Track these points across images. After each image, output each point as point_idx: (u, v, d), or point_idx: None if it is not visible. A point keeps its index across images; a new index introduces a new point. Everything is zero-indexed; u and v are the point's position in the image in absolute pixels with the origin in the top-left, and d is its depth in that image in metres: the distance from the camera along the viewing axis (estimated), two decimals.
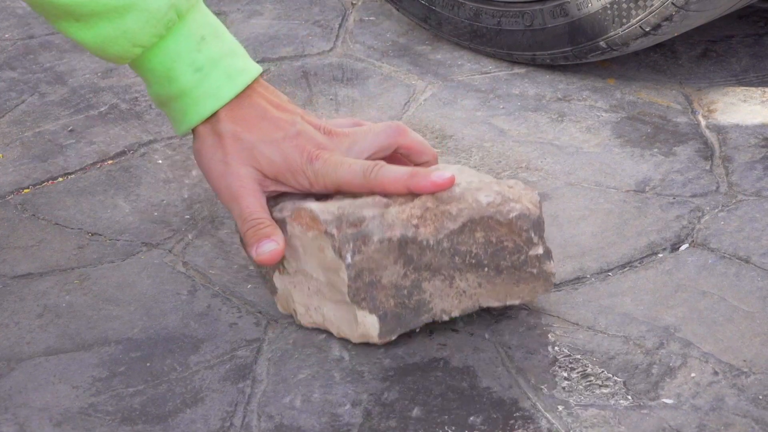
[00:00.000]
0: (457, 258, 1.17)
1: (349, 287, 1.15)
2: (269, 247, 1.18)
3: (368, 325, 1.18)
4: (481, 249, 1.17)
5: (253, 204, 1.19)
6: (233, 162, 1.19)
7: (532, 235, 1.18)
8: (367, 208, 1.17)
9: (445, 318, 1.20)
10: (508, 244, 1.17)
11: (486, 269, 1.18)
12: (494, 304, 1.20)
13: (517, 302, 1.21)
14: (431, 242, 1.16)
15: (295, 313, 1.23)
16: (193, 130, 1.22)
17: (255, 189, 1.20)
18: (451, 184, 1.18)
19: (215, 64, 1.20)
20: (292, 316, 1.23)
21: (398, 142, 1.24)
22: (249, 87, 1.21)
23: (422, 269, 1.17)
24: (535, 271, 1.19)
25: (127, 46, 1.16)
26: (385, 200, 1.18)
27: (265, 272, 1.25)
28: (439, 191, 1.17)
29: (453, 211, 1.16)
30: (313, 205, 1.18)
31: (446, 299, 1.19)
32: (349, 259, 1.14)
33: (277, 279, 1.23)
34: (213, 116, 1.20)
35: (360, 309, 1.17)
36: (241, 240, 1.21)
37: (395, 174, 1.18)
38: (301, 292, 1.22)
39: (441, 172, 1.18)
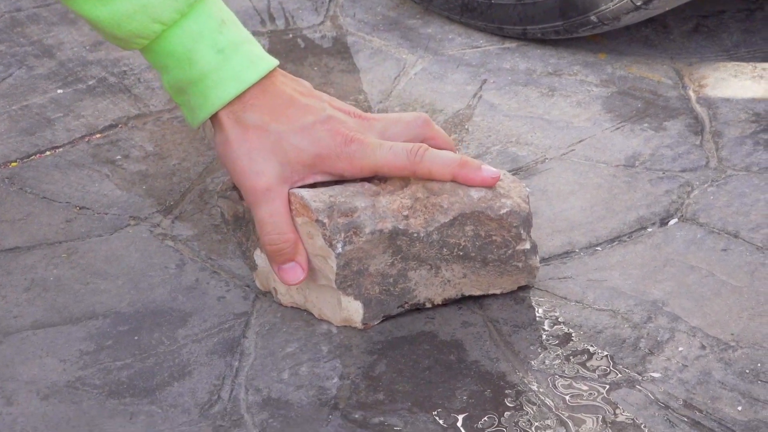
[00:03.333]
0: (445, 249, 1.18)
1: (337, 275, 1.16)
2: (294, 276, 1.17)
3: (352, 311, 1.18)
4: (469, 242, 1.18)
5: (276, 211, 1.16)
6: (259, 157, 1.16)
7: (521, 231, 1.18)
8: (358, 198, 1.17)
9: (428, 306, 1.20)
10: (496, 238, 1.18)
11: (472, 261, 1.19)
12: (476, 292, 1.21)
13: (498, 292, 1.22)
14: (421, 234, 1.16)
15: (275, 291, 1.23)
16: (214, 122, 1.19)
17: (281, 192, 1.17)
18: (497, 181, 1.19)
19: (236, 47, 1.17)
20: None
21: (425, 133, 1.23)
22: (271, 74, 1.19)
23: (410, 259, 1.18)
24: (520, 264, 1.20)
25: (146, 21, 1.13)
26: (374, 188, 1.19)
27: (246, 248, 1.25)
28: (487, 187, 1.18)
29: (444, 204, 1.17)
30: (304, 192, 1.17)
31: (430, 288, 1.20)
32: (339, 249, 1.15)
33: (259, 256, 1.23)
34: (237, 104, 1.17)
35: (345, 295, 1.17)
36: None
37: (444, 160, 1.18)
38: None
39: (490, 168, 1.19)
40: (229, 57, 1.17)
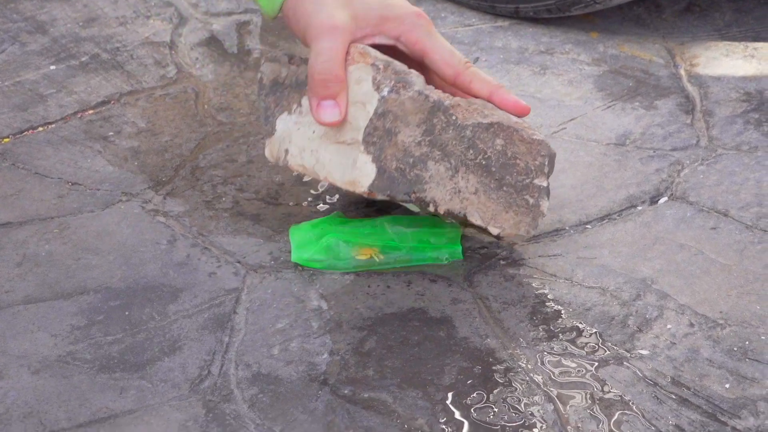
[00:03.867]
0: (471, 152, 1.19)
1: (370, 122, 1.19)
2: (331, 115, 1.20)
3: (364, 173, 1.20)
4: (494, 155, 1.19)
5: (335, 48, 1.20)
6: (331, 6, 1.20)
7: (545, 163, 1.19)
8: (413, 71, 1.22)
9: (431, 209, 1.21)
10: (520, 162, 1.19)
11: (490, 178, 1.19)
12: (478, 221, 1.21)
13: (497, 231, 1.21)
14: (458, 122, 1.18)
15: (285, 153, 1.25)
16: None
17: (344, 36, 1.21)
18: (527, 112, 1.23)
19: None
20: (267, 268, 1.24)
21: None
22: None
23: (436, 146, 1.19)
24: (531, 201, 1.20)
25: None
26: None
27: (270, 113, 1.28)
28: (517, 114, 1.23)
29: (485, 112, 1.20)
30: (366, 45, 1.23)
31: (441, 189, 1.20)
32: (384, 93, 1.18)
33: (282, 120, 1.26)
34: None
35: (364, 153, 1.19)
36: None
37: (486, 77, 1.23)
38: (304, 134, 1.24)
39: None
40: None
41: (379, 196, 1.21)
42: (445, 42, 1.24)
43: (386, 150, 1.19)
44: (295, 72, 1.26)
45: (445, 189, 1.20)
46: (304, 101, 1.23)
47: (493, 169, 1.20)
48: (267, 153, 1.27)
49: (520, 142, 1.19)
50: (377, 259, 1.24)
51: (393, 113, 1.18)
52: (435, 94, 1.20)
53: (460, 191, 1.20)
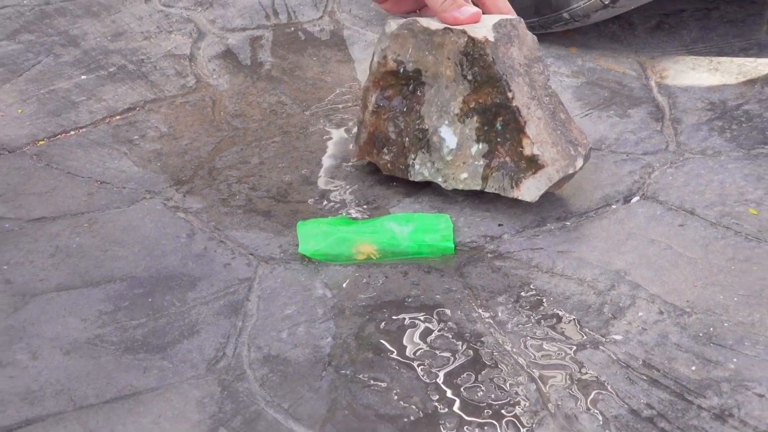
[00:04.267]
0: (546, 98, 1.31)
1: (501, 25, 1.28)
2: (470, 14, 1.27)
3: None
4: (560, 115, 1.31)
5: None
6: None
7: (587, 144, 1.31)
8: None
9: (509, 95, 1.27)
10: (573, 131, 1.30)
11: (552, 119, 1.29)
12: (531, 131, 1.26)
13: (537, 151, 1.26)
14: (548, 78, 1.32)
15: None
16: None
17: None
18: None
19: None
20: (277, 260, 1.23)
21: None
22: None
23: (529, 75, 1.29)
24: (573, 152, 1.28)
25: None
26: None
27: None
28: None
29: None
30: None
31: (521, 95, 1.27)
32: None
33: None
34: None
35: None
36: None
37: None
38: None
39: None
40: None
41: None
42: None
43: (502, 45, 1.27)
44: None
45: (523, 98, 1.25)
46: None
47: (556, 119, 1.28)
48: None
49: (575, 127, 1.30)
50: (374, 258, 1.24)
51: (519, 37, 1.29)
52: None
53: (529, 107, 1.26)
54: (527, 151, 1.25)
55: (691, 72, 1.61)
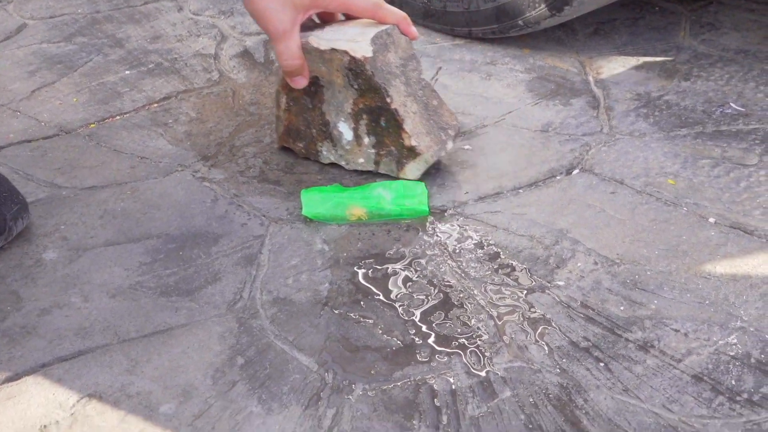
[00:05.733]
0: (420, 92, 1.29)
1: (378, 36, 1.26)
2: (302, 83, 1.26)
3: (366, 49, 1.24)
4: (432, 103, 1.32)
5: (293, 45, 1.22)
6: (278, 7, 1.19)
7: (457, 125, 1.33)
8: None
9: (388, 100, 1.25)
10: (444, 116, 1.32)
11: (426, 111, 1.29)
12: (408, 127, 1.25)
13: (414, 143, 1.26)
14: (422, 74, 1.31)
15: None
16: None
17: (295, 32, 1.22)
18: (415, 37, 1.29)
19: None
20: (285, 220, 1.22)
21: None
22: None
23: (404, 75, 1.28)
24: (443, 138, 1.29)
25: None
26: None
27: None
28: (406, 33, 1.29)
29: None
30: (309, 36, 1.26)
31: (398, 96, 1.26)
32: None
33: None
34: None
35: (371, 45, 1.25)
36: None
37: (394, 9, 1.28)
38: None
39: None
40: None
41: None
42: None
43: (380, 54, 1.25)
44: None
45: (400, 98, 1.25)
46: None
47: (429, 108, 1.29)
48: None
49: (446, 110, 1.31)
50: (363, 219, 1.22)
51: (394, 43, 1.27)
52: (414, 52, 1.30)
53: (405, 105, 1.26)
54: (407, 143, 1.26)
55: (622, 69, 1.60)
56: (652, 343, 1.02)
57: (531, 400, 0.96)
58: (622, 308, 1.07)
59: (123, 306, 1.09)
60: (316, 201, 1.24)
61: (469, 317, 1.06)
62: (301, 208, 1.24)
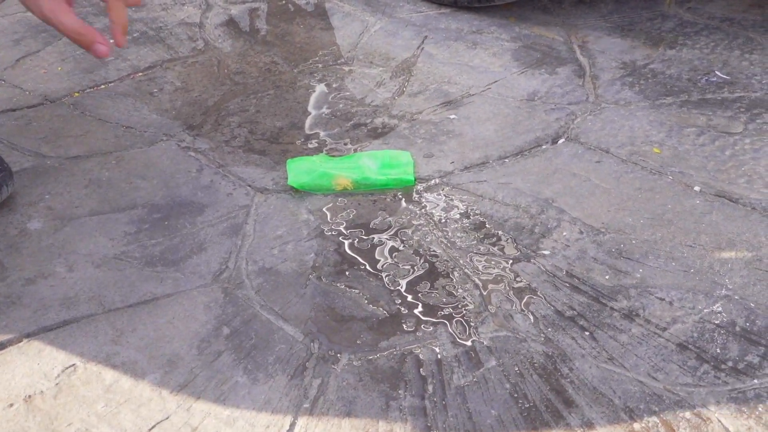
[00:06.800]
0: None
1: None
2: (101, 49, 1.01)
3: None
4: None
5: (70, 19, 1.00)
6: None
7: None
8: None
9: None
10: None
11: None
12: None
13: None
14: None
15: None
16: None
17: (64, 5, 1.00)
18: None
19: None
20: (270, 191, 1.20)
21: None
22: None
23: None
24: None
25: None
26: None
27: None
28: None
29: None
30: None
31: None
32: None
33: None
34: None
35: None
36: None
37: None
38: None
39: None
40: None
41: None
42: None
43: None
44: None
45: None
46: None
47: None
48: None
49: None
50: (349, 189, 1.21)
51: None
52: None
53: None
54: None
55: (607, 38, 1.58)
56: (637, 312, 1.01)
57: (516, 369, 0.95)
58: (607, 277, 1.06)
59: (108, 276, 1.07)
60: (301, 171, 1.22)
61: (454, 287, 1.05)
62: (286, 179, 1.23)
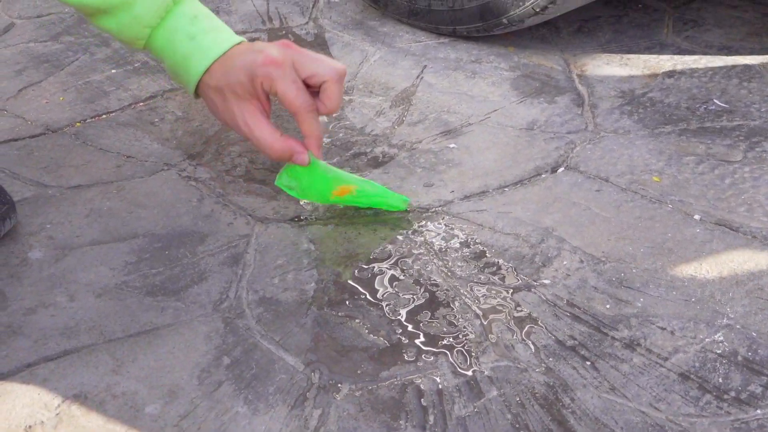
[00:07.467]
0: None
1: None
2: (302, 159, 1.14)
3: None
4: None
5: (266, 133, 1.11)
6: (234, 102, 1.10)
7: None
8: None
9: None
10: None
11: None
12: None
13: None
14: None
15: None
16: (200, 95, 1.14)
17: (261, 118, 1.11)
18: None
19: (206, 33, 1.11)
20: (271, 220, 1.20)
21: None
22: (233, 49, 1.11)
23: None
24: None
25: (138, 28, 1.09)
26: None
27: None
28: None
29: None
30: None
31: None
32: None
33: None
34: (209, 76, 1.10)
35: None
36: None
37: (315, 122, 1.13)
38: None
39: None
40: (200, 42, 1.10)
41: None
42: (288, 80, 1.09)
43: None
44: None
45: None
46: None
47: None
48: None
49: None
50: (346, 199, 1.19)
51: None
52: None
53: None
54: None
55: (606, 66, 1.58)
56: (638, 342, 1.00)
57: (518, 399, 0.94)
58: (608, 306, 1.05)
59: (109, 306, 1.07)
60: (298, 172, 1.18)
61: (455, 316, 1.05)
62: (287, 208, 1.23)
